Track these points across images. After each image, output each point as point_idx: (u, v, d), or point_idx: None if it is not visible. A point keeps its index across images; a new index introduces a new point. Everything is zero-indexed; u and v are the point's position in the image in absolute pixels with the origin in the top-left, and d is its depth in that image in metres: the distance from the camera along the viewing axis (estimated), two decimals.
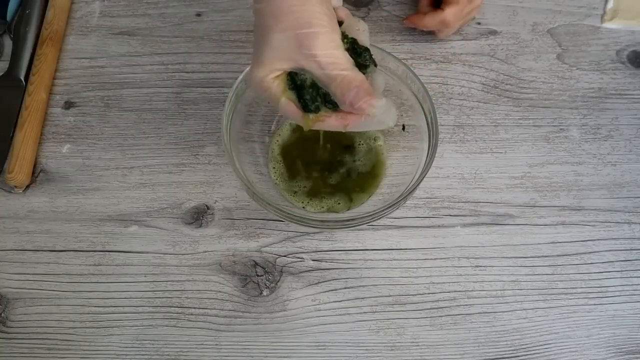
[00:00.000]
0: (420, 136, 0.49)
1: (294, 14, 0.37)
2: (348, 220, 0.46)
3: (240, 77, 0.47)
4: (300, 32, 0.37)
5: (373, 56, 0.41)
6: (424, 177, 0.45)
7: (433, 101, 0.47)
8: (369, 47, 0.41)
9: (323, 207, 0.51)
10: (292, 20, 0.37)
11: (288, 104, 0.40)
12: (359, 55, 0.41)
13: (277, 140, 0.54)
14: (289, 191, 0.52)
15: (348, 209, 0.52)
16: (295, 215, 0.45)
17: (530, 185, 0.54)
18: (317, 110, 0.40)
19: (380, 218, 0.46)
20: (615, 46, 0.60)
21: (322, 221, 0.47)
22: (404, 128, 0.51)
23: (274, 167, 0.53)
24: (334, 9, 0.40)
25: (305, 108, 0.40)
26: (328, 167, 0.53)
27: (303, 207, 0.51)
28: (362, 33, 0.41)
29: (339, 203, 0.52)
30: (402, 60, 0.48)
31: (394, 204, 0.45)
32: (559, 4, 0.62)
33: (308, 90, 0.40)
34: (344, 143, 0.53)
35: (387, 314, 0.50)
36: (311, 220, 0.46)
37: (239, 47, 0.60)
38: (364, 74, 0.40)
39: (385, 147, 0.54)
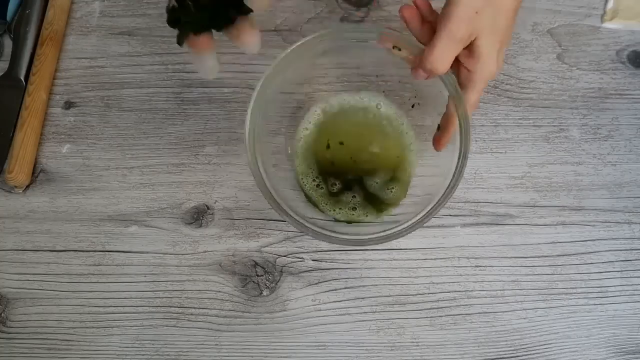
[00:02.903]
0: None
1: None
2: (377, 239, 0.43)
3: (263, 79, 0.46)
4: None
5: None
6: (455, 189, 0.43)
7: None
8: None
9: (353, 215, 0.50)
10: None
11: None
12: None
13: (300, 141, 0.52)
14: (319, 200, 0.51)
15: (374, 220, 0.50)
16: (323, 231, 0.43)
17: (530, 185, 0.54)
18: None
19: (407, 234, 0.43)
20: (615, 46, 0.60)
21: (354, 240, 0.43)
22: (413, 106, 0.51)
23: (302, 172, 0.51)
24: None
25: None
26: (359, 175, 0.51)
27: (333, 216, 0.50)
28: None
29: (367, 215, 0.50)
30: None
31: (423, 219, 0.43)
32: (559, 4, 0.62)
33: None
34: (374, 151, 0.52)
35: (387, 314, 0.50)
36: (339, 239, 0.43)
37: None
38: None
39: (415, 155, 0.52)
